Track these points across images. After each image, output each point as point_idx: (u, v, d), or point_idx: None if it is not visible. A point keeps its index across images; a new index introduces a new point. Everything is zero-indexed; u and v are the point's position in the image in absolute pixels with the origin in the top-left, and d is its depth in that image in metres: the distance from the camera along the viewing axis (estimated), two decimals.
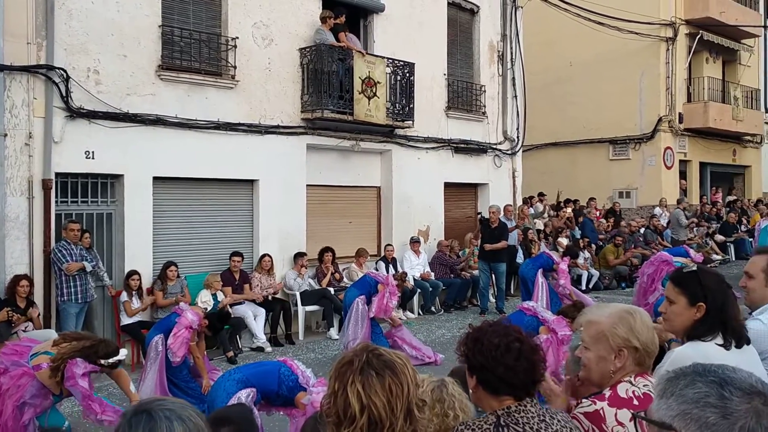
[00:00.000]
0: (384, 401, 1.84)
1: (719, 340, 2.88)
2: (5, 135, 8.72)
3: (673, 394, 1.35)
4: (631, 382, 2.47)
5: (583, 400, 2.49)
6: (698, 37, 20.84)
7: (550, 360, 6.90)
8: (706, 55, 22.26)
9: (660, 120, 20.39)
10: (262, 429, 5.17)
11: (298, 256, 11.54)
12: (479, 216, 14.11)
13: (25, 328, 8.40)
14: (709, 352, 2.73)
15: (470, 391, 2.44)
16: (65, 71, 9.23)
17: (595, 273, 15.62)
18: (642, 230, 17.88)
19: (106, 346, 5.60)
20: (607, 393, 2.47)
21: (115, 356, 5.61)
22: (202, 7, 10.89)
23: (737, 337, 2.88)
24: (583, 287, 15.02)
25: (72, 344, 5.41)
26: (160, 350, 7.35)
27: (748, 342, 2.91)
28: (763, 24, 23.63)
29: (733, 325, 2.88)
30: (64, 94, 9.24)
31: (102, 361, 5.51)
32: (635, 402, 2.41)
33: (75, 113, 9.36)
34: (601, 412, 2.41)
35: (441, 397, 2.56)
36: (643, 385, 2.46)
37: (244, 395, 4.84)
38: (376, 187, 13.75)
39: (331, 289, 11.64)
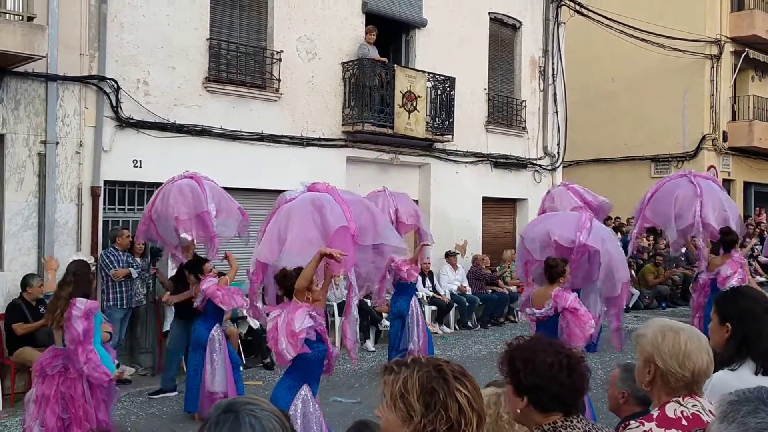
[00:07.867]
0: (479, 401, 1.99)
1: (749, 367, 2.83)
2: (57, 143, 8.98)
3: (734, 420, 1.32)
4: (679, 402, 2.46)
5: (631, 422, 2.48)
6: (744, 55, 20.51)
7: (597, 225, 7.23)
8: (752, 74, 21.85)
9: (704, 138, 20.06)
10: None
11: None
12: None
13: None
14: (748, 380, 2.69)
15: (515, 411, 2.38)
16: (116, 82, 9.48)
17: (636, 292, 15.39)
18: (684, 249, 17.54)
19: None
20: (655, 413, 2.47)
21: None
22: (248, 21, 11.10)
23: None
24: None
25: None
26: (222, 339, 7.61)
27: None
28: None
29: (761, 351, 2.83)
30: (114, 104, 9.50)
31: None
32: (684, 422, 2.40)
33: (124, 123, 9.60)
34: None
35: (499, 411, 2.59)
36: (692, 405, 2.44)
37: (300, 401, 5.15)
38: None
39: (368, 301, 11.67)
